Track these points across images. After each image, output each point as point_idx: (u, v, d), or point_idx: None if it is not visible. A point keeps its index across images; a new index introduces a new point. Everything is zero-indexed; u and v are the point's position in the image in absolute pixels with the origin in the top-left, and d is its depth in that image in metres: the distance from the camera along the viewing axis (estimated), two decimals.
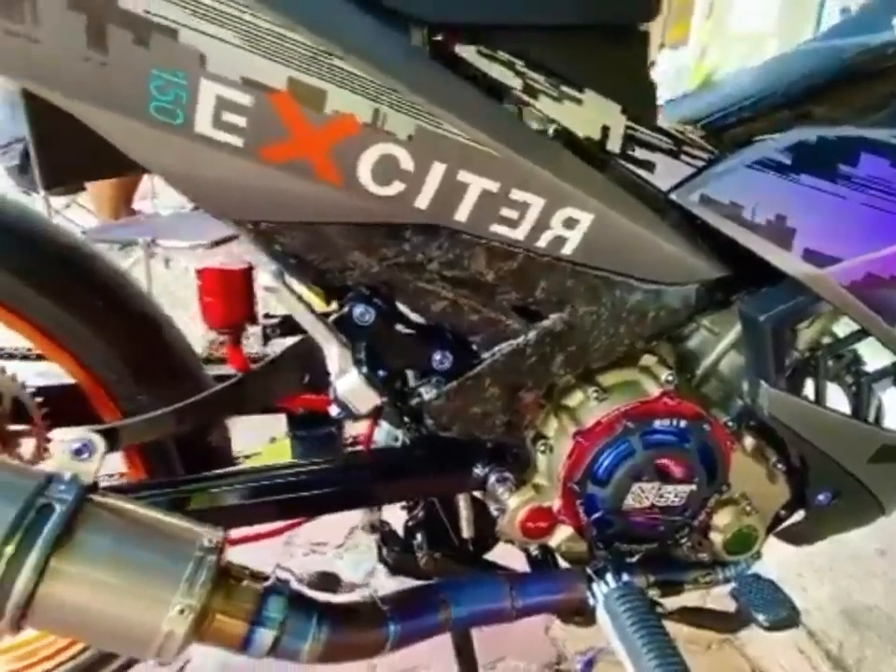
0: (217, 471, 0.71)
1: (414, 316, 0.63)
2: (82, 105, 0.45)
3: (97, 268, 0.68)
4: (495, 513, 0.76)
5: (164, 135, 0.47)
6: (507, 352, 0.65)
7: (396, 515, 0.87)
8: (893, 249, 0.61)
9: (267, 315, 0.66)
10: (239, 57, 0.44)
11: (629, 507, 0.69)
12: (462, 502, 0.82)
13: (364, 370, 0.56)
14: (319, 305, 0.61)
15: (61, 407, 0.81)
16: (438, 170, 0.52)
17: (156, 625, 0.50)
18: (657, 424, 0.68)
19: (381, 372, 0.59)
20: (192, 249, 1.46)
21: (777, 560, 1.29)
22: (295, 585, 0.60)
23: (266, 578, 0.57)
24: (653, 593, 0.77)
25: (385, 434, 0.80)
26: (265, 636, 0.55)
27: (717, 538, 0.76)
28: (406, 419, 0.72)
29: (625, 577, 0.68)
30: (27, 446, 0.86)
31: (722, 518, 0.76)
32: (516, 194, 0.54)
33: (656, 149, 0.61)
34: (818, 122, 0.66)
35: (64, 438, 0.54)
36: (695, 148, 0.64)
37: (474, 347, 0.66)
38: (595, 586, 0.69)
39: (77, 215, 2.70)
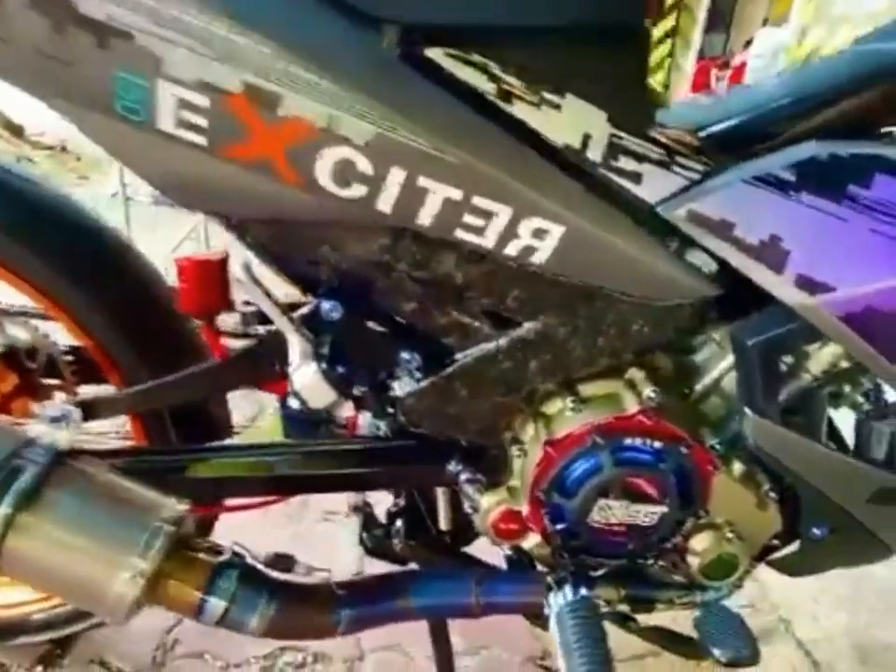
0: (196, 446, 0.74)
1: (385, 315, 0.63)
2: (54, 101, 0.47)
3: (103, 237, 0.72)
4: (468, 510, 0.76)
5: (132, 131, 0.49)
6: (478, 356, 0.65)
7: (382, 499, 0.89)
8: None
9: (246, 303, 0.68)
10: (194, 61, 0.46)
11: (595, 522, 0.68)
12: (441, 495, 0.83)
13: (323, 365, 0.58)
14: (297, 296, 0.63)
15: (87, 365, 0.87)
16: (397, 175, 0.51)
17: (109, 586, 0.54)
18: (629, 441, 0.66)
19: (341, 369, 0.60)
20: None
21: (793, 581, 1.24)
22: (251, 562, 0.63)
23: (222, 552, 0.61)
24: (623, 607, 0.76)
25: (370, 422, 0.81)
26: (216, 605, 0.59)
27: (693, 561, 0.74)
28: (386, 410, 0.74)
29: (584, 591, 0.68)
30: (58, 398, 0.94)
31: (700, 543, 0.73)
32: (480, 202, 0.54)
33: (644, 160, 0.59)
34: (838, 136, 0.61)
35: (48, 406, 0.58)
36: (690, 160, 0.60)
37: (447, 348, 0.66)
38: (552, 596, 0.68)
39: None
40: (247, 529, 0.82)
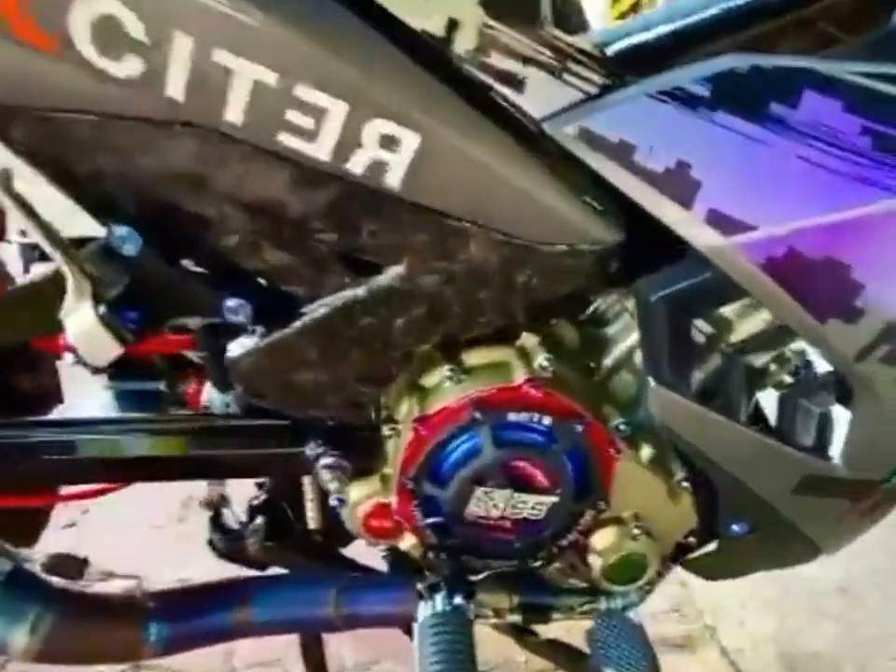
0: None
1: (202, 251, 0.50)
2: None
3: None
4: (334, 504, 0.63)
5: None
6: (330, 310, 0.52)
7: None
8: (832, 219, 0.46)
9: (23, 233, 0.54)
10: None
11: (474, 515, 0.56)
12: (308, 486, 0.70)
13: (103, 309, 0.44)
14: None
15: None
16: (183, 44, 0.38)
17: None
18: (513, 417, 0.54)
19: (133, 314, 0.47)
20: None
21: (720, 584, 1.15)
22: (25, 566, 0.49)
23: None
24: (515, 618, 0.65)
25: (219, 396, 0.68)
26: None
27: (595, 562, 0.63)
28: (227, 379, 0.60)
29: (459, 600, 0.56)
30: None
31: (602, 540, 0.62)
32: (305, 93, 0.41)
33: (529, 62, 0.47)
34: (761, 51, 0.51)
35: None
36: (588, 70, 0.49)
37: (291, 298, 0.53)
38: (421, 605, 0.56)
39: None
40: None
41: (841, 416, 0.59)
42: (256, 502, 0.74)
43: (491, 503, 0.56)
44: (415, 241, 0.50)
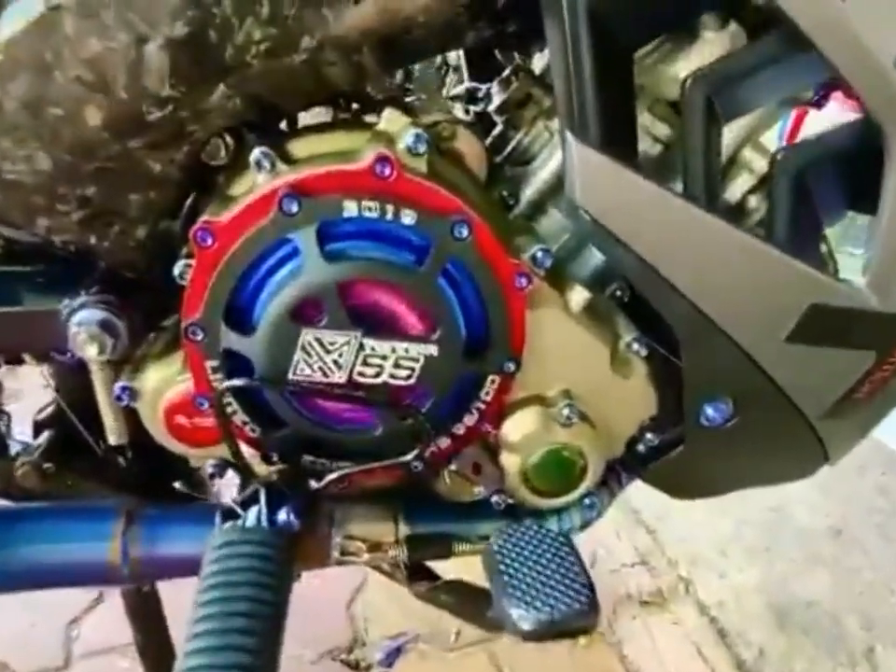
0: None
1: None
2: None
3: None
4: (117, 395, 0.42)
5: None
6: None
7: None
8: None
9: None
10: None
11: (303, 378, 0.36)
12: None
13: None
14: None
15: None
16: None
17: None
18: (351, 211, 0.34)
19: None
20: None
21: (691, 526, 0.97)
22: None
23: None
24: (396, 553, 0.44)
25: None
26: None
27: (510, 462, 0.43)
28: None
29: (284, 516, 0.35)
30: None
31: (518, 428, 0.42)
32: None
33: None
34: None
35: None
36: None
37: None
38: (225, 526, 0.35)
39: None
40: None
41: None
42: (42, 415, 0.52)
43: (328, 357, 0.35)
44: None
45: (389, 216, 0.34)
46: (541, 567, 0.34)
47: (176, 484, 0.55)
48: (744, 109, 0.36)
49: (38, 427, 0.52)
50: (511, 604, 0.32)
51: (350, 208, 0.34)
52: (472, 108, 0.63)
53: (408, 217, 0.34)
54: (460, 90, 0.64)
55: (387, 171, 0.34)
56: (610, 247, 0.36)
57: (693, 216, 0.35)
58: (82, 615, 0.74)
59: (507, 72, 0.54)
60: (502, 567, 0.34)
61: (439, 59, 0.71)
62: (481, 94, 0.60)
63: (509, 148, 0.49)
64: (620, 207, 0.34)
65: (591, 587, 0.33)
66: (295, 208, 0.33)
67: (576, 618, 0.31)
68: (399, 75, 0.70)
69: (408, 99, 0.68)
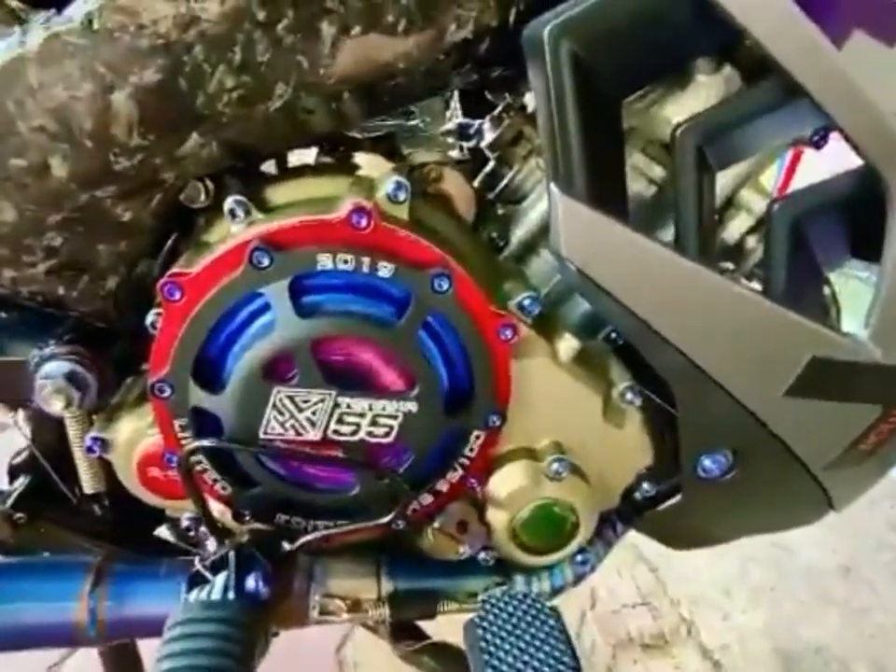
0: None
1: None
2: None
3: None
4: (90, 451, 0.40)
5: None
6: None
7: None
8: None
9: None
10: None
11: (276, 437, 0.34)
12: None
13: None
14: None
15: None
16: None
17: None
18: (325, 264, 0.32)
19: None
20: None
21: (694, 563, 0.93)
22: None
23: None
24: (378, 613, 0.42)
25: None
26: None
27: (497, 518, 0.41)
28: None
29: (252, 584, 0.33)
30: None
31: (506, 483, 0.40)
32: None
33: None
34: None
35: None
36: None
37: None
38: (191, 596, 0.34)
39: None
40: None
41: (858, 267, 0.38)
42: (17, 460, 0.51)
43: (301, 415, 0.33)
44: None
45: (366, 268, 0.32)
46: (525, 643, 0.32)
47: (160, 530, 0.53)
48: (737, 158, 0.35)
49: (13, 472, 0.51)
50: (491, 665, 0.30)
51: (324, 261, 0.32)
52: (465, 144, 0.62)
53: (385, 270, 0.33)
54: (452, 125, 0.63)
55: (364, 222, 0.32)
56: (598, 299, 0.34)
57: (683, 268, 0.33)
58: (61, 661, 0.72)
59: (498, 110, 0.53)
60: (483, 643, 0.32)
61: None
62: (472, 131, 0.59)
63: (500, 186, 0.48)
64: (606, 260, 0.32)
65: (577, 669, 0.31)
66: (266, 262, 0.32)
67: None
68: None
69: (409, 123, 0.67)
